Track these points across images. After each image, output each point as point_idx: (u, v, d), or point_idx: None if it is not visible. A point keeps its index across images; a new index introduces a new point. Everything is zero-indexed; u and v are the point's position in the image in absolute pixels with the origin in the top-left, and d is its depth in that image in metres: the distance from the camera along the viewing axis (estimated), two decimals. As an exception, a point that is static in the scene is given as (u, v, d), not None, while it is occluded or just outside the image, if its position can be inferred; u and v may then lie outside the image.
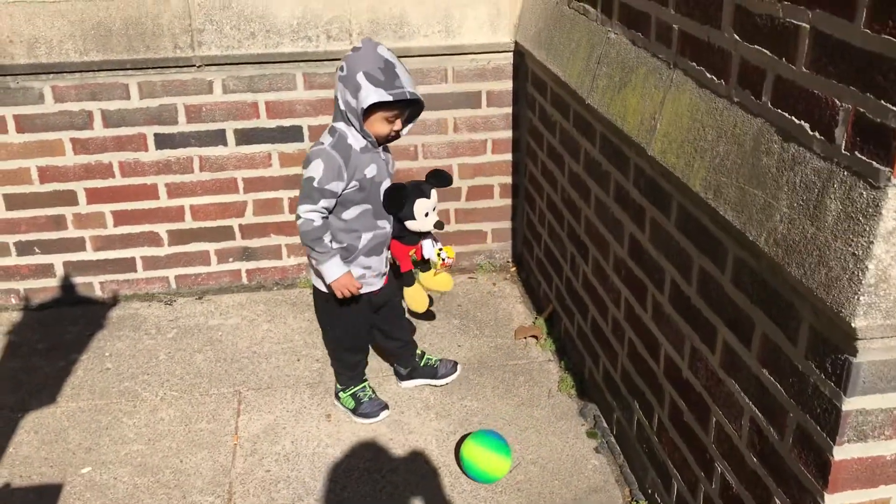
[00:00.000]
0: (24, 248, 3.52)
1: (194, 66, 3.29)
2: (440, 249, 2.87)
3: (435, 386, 3.03)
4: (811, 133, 1.52)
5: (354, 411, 2.88)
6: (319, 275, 2.63)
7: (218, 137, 3.45)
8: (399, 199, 2.63)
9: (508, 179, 3.78)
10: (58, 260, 3.56)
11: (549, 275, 3.40)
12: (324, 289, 2.68)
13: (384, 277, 2.78)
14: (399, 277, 2.91)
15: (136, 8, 3.20)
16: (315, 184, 2.47)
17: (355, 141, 2.53)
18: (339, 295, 2.60)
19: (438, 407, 2.95)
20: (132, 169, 3.44)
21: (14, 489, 2.58)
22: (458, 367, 3.07)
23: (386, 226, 2.69)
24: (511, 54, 3.53)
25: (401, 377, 3.06)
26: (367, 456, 2.72)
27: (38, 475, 2.64)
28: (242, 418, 2.90)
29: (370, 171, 2.56)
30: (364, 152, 2.55)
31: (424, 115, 3.50)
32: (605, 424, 2.83)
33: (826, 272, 1.44)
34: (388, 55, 2.46)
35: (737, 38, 1.75)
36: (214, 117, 3.41)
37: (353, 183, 2.54)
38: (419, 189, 2.72)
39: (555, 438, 2.78)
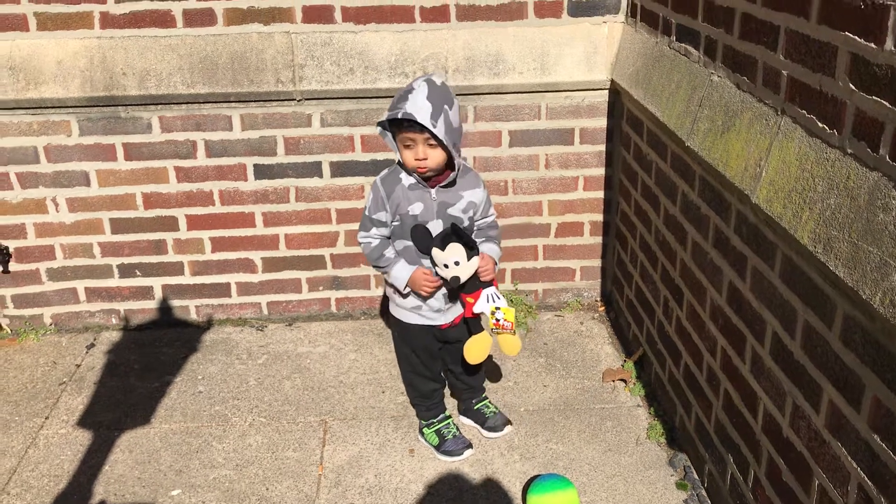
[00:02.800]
0: (126, 271, 3.66)
1: (294, 99, 3.38)
2: (497, 308, 2.65)
3: (483, 435, 2.98)
4: (935, 190, 1.44)
5: (438, 448, 2.87)
6: (394, 300, 2.71)
7: (314, 169, 3.52)
8: (421, 241, 2.58)
9: (599, 217, 3.73)
10: (157, 283, 3.69)
11: (639, 317, 3.33)
12: (396, 315, 2.77)
13: (451, 315, 2.75)
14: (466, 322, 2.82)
15: (241, 43, 3.31)
16: (366, 212, 2.64)
17: (406, 177, 2.57)
18: (424, 293, 2.63)
19: (523, 448, 2.91)
20: (231, 197, 3.55)
21: (108, 507, 2.67)
22: (509, 427, 2.97)
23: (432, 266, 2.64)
24: (606, 92, 3.49)
25: (458, 410, 3.08)
26: (449, 495, 2.69)
27: (131, 495, 2.71)
28: (328, 448, 2.92)
29: (414, 209, 2.57)
30: (412, 189, 2.57)
31: (516, 150, 3.55)
32: (696, 476, 2.73)
33: (950, 339, 1.36)
34: (419, 84, 2.42)
35: (852, 87, 1.68)
36: (312, 149, 3.49)
37: (397, 218, 2.59)
38: (440, 239, 2.56)
39: (642, 488, 2.70)
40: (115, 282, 3.67)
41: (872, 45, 1.60)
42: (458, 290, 2.67)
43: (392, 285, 2.69)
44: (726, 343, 2.43)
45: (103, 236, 3.58)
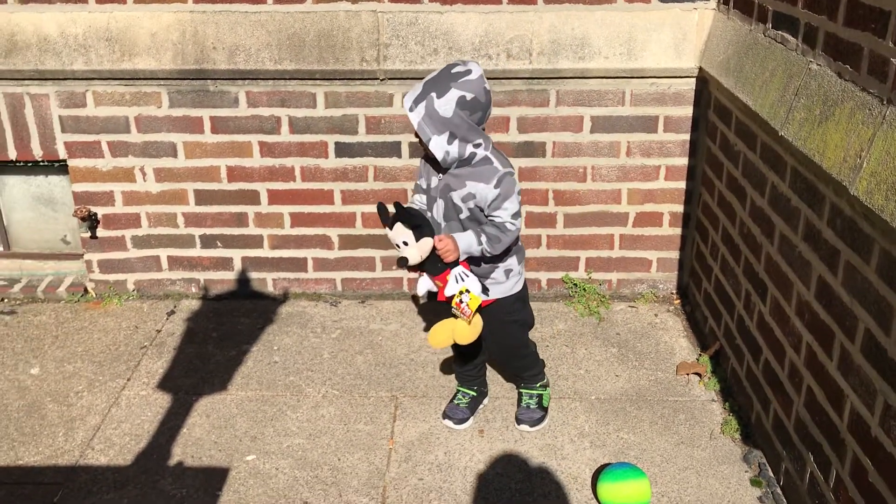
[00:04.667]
0: (207, 242, 3.75)
1: (378, 79, 3.40)
2: (466, 290, 2.55)
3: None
4: None
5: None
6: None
7: (393, 149, 3.55)
8: (381, 218, 2.56)
9: (680, 208, 3.66)
10: (237, 255, 3.77)
11: (717, 311, 3.27)
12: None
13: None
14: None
15: (329, 21, 3.34)
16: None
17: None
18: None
19: (593, 436, 2.89)
20: (312, 174, 3.60)
21: (185, 468, 2.74)
22: (531, 427, 2.92)
23: None
24: (694, 80, 3.42)
25: None
26: (518, 477, 2.69)
27: (208, 457, 2.79)
28: (398, 424, 2.95)
29: (433, 182, 2.63)
30: (425, 166, 2.66)
31: (598, 136, 3.52)
32: (771, 474, 2.67)
33: None
34: (440, 72, 2.45)
35: (970, 75, 1.61)
36: (392, 129, 3.51)
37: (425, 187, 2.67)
38: (391, 219, 2.52)
39: (715, 482, 2.66)
40: (196, 252, 3.77)
41: None
42: (423, 273, 2.61)
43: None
44: (812, 339, 2.36)
45: (187, 206, 3.67)
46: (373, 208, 3.65)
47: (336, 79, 3.42)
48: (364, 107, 3.47)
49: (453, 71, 2.43)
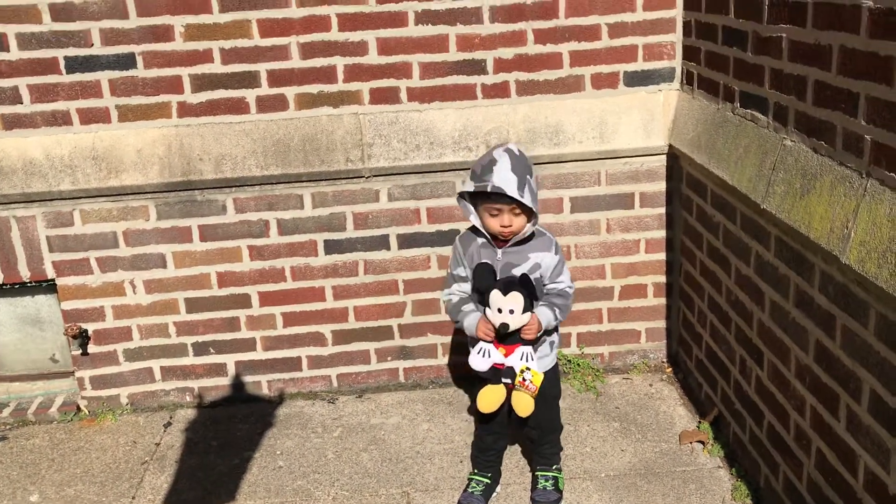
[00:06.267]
0: (200, 349, 3.74)
1: (363, 177, 3.50)
2: (527, 368, 2.67)
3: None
4: None
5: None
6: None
7: (382, 242, 3.62)
8: (484, 277, 2.66)
9: (662, 279, 3.78)
10: (230, 359, 3.77)
11: (712, 377, 3.35)
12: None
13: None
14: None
15: (312, 125, 3.45)
16: (448, 269, 2.86)
17: (480, 237, 2.73)
18: (486, 338, 2.70)
19: (609, 514, 2.91)
20: (302, 273, 3.64)
21: (203, 586, 2.69)
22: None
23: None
24: (664, 157, 3.58)
25: None
26: (542, 564, 2.69)
27: (225, 573, 2.74)
28: (413, 520, 2.94)
29: None
30: (484, 248, 2.73)
31: (578, 216, 3.64)
32: (788, 537, 2.72)
33: None
34: (500, 154, 2.59)
35: (946, 150, 1.75)
36: (379, 223, 3.59)
37: (469, 272, 2.75)
38: (504, 283, 2.62)
39: (735, 551, 2.69)
40: (189, 360, 3.75)
41: (967, 111, 1.67)
42: (499, 338, 2.70)
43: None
44: (815, 401, 2.44)
45: (178, 316, 3.67)
46: (364, 302, 3.70)
47: (322, 179, 3.50)
48: (351, 204, 3.55)
49: (518, 151, 2.62)
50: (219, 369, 3.78)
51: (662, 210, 3.68)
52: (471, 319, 2.75)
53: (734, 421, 3.14)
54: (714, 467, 3.13)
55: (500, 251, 2.71)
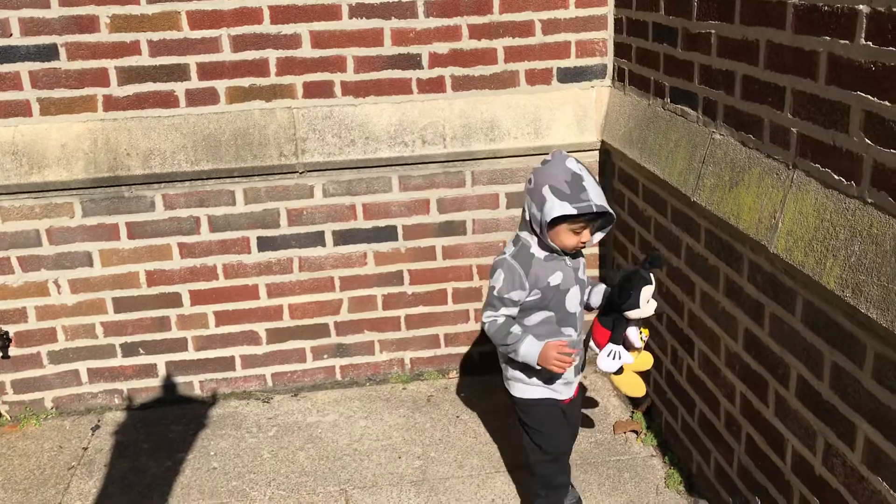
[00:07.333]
0: (129, 350, 3.63)
1: (297, 172, 3.45)
2: (640, 329, 2.69)
3: None
4: (962, 234, 1.56)
5: None
6: (516, 378, 2.61)
7: (317, 239, 3.58)
8: (628, 290, 2.55)
9: (596, 272, 3.83)
10: (160, 360, 3.67)
11: (645, 368, 3.41)
12: (518, 394, 2.65)
13: (574, 387, 2.68)
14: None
15: (244, 120, 3.38)
16: (496, 293, 2.49)
17: (538, 251, 2.50)
18: (557, 370, 2.48)
19: None
20: (235, 271, 3.57)
21: (136, 592, 2.61)
22: None
23: (572, 333, 2.60)
24: (597, 152, 3.63)
25: None
26: (482, 556, 2.70)
27: (159, 578, 2.67)
28: (352, 518, 2.92)
29: (554, 279, 2.50)
30: (548, 261, 2.50)
31: (513, 211, 3.67)
32: (720, 521, 2.79)
33: None
34: (577, 167, 2.41)
35: (868, 142, 1.82)
36: (314, 220, 3.55)
37: (535, 291, 2.49)
38: (642, 276, 2.56)
39: (670, 536, 2.75)
40: (117, 361, 3.64)
41: (887, 103, 1.74)
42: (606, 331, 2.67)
43: (513, 377, 2.64)
44: (745, 388, 2.51)
45: (106, 316, 3.56)
46: (299, 299, 3.66)
47: (255, 175, 3.44)
48: (285, 200, 3.50)
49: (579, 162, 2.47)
50: (149, 370, 3.68)
51: (595, 205, 3.72)
52: (528, 346, 2.48)
53: (666, 410, 3.20)
54: (648, 456, 3.19)
55: (567, 258, 2.53)
